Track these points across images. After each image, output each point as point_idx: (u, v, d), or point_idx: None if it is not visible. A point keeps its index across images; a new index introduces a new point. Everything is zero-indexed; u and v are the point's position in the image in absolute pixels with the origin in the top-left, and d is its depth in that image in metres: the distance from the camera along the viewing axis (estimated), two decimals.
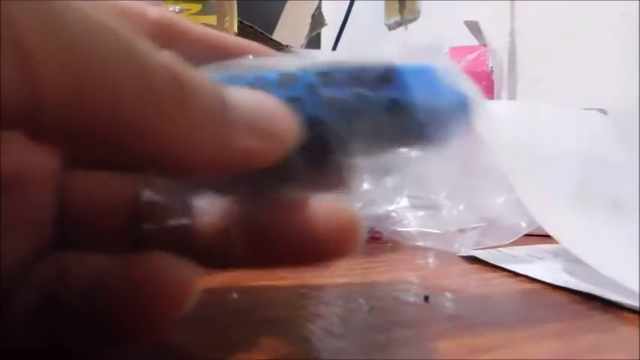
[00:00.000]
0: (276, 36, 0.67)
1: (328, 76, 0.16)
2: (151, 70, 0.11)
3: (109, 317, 0.13)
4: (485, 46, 0.55)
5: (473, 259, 0.28)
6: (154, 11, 0.19)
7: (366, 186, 0.35)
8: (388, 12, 0.81)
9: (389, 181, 0.34)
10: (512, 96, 0.81)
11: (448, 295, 0.22)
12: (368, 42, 0.89)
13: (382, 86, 0.16)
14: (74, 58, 0.10)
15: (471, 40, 0.58)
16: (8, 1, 0.09)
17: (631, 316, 0.19)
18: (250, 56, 0.18)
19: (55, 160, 0.15)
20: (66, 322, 0.14)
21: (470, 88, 0.18)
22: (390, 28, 0.81)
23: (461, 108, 0.17)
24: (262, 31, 0.56)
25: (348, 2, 0.80)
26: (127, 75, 0.11)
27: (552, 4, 0.79)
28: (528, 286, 0.23)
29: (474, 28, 0.56)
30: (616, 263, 0.22)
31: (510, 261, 0.27)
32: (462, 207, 0.32)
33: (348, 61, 0.16)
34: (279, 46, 0.50)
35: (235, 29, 0.42)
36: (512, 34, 0.83)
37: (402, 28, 0.75)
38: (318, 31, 0.73)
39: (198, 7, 0.39)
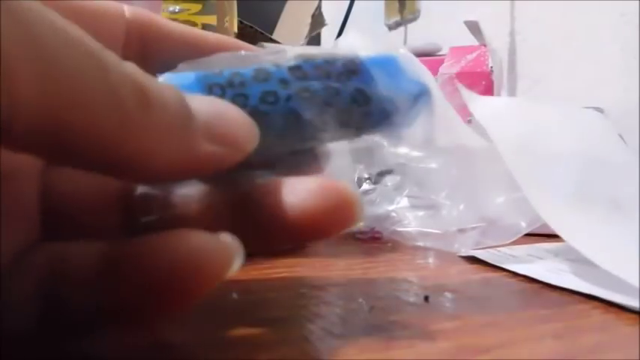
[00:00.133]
0: (276, 36, 0.67)
1: (300, 70, 0.17)
2: (116, 83, 0.12)
3: (119, 301, 0.13)
4: (485, 46, 0.55)
5: (473, 259, 0.28)
6: (132, 10, 0.19)
7: (366, 186, 0.35)
8: (388, 12, 0.81)
9: (389, 181, 0.34)
10: (512, 96, 0.81)
11: (448, 295, 0.22)
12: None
13: (349, 78, 0.18)
14: (47, 67, 0.10)
15: (470, 40, 0.58)
16: None
17: (631, 316, 0.19)
18: (228, 53, 0.19)
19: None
20: (64, 310, 0.14)
21: (427, 76, 0.20)
22: (390, 28, 0.81)
23: (421, 95, 0.19)
24: (262, 31, 0.56)
25: (348, 2, 0.79)
26: (95, 87, 0.11)
27: (552, 4, 0.79)
28: (528, 286, 0.23)
29: (473, 28, 0.56)
30: (617, 259, 0.22)
31: (510, 261, 0.27)
32: (462, 207, 0.32)
33: (317, 54, 0.18)
34: None
35: (235, 29, 0.42)
36: (512, 34, 0.84)
37: (402, 28, 0.75)
38: (318, 31, 0.73)
39: (198, 7, 0.39)
